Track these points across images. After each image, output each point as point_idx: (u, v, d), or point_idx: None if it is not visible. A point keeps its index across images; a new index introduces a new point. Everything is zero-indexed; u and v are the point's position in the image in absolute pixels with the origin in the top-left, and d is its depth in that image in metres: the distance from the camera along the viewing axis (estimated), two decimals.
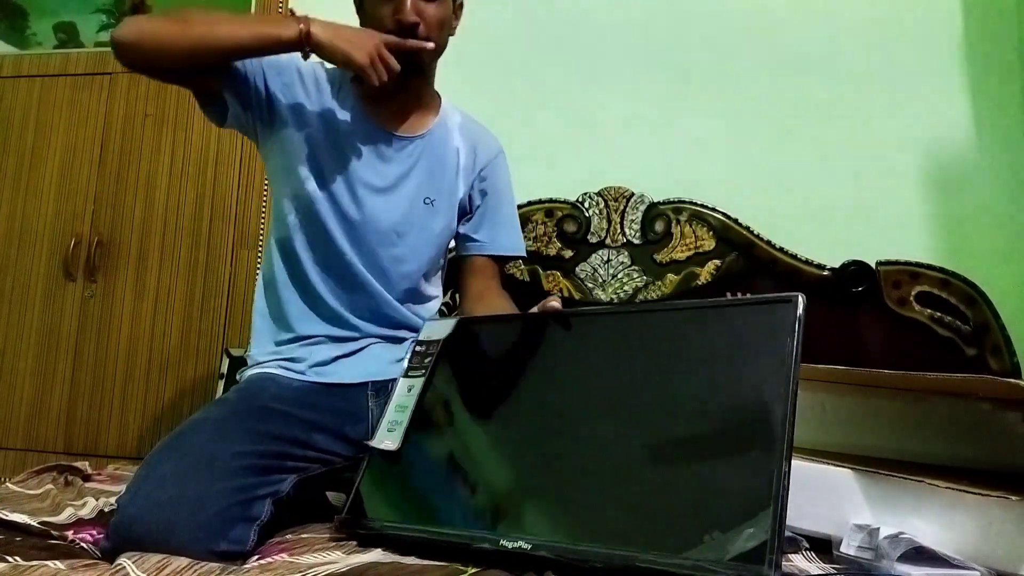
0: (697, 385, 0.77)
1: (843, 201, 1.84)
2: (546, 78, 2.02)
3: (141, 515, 0.83)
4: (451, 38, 1.22)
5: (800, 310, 0.70)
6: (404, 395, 0.98)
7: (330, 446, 1.03)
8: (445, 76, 1.31)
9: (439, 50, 1.18)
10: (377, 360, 1.16)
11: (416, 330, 1.19)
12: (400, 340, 1.20)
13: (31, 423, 2.05)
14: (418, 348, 1.03)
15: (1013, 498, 0.78)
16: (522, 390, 0.93)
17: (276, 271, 1.19)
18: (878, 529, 0.81)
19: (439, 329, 1.04)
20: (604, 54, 2.02)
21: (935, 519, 0.81)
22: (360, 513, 0.88)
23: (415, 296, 1.24)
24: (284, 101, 1.16)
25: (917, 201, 1.82)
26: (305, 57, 1.07)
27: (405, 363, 1.02)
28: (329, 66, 1.19)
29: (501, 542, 0.74)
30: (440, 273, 1.33)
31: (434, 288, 1.30)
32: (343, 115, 1.18)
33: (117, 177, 2.12)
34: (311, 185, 1.15)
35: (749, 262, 1.78)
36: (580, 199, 1.88)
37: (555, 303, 0.97)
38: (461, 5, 1.23)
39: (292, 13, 2.10)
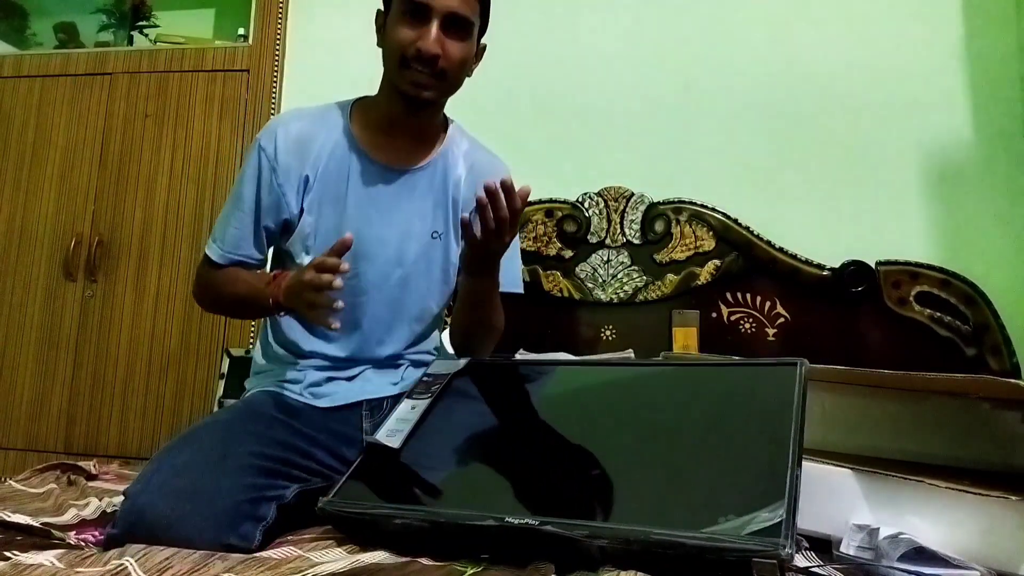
0: (716, 413, 0.87)
1: (843, 201, 1.84)
2: (547, 77, 2.03)
3: (153, 503, 0.84)
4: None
5: (805, 368, 0.85)
6: (407, 411, 0.99)
7: (329, 462, 1.04)
8: None
9: (454, 88, 1.14)
10: (371, 383, 1.16)
11: (415, 361, 1.20)
12: (396, 366, 1.19)
13: (31, 423, 2.06)
14: (425, 379, 1.06)
15: (1013, 498, 0.78)
16: (533, 415, 0.97)
17: None
18: (878, 529, 0.81)
19: (449, 366, 1.08)
20: (605, 53, 2.02)
21: (935, 519, 0.81)
22: (352, 497, 0.87)
23: (420, 329, 1.21)
24: (287, 206, 1.13)
25: (917, 201, 1.82)
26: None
27: (409, 388, 1.05)
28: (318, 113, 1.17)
29: (506, 519, 0.73)
30: (446, 302, 1.27)
31: (438, 318, 1.27)
32: (344, 161, 1.14)
33: (117, 177, 2.12)
34: (318, 228, 1.13)
35: (749, 262, 1.78)
36: (580, 199, 1.88)
37: None
38: (484, 49, 1.18)
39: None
